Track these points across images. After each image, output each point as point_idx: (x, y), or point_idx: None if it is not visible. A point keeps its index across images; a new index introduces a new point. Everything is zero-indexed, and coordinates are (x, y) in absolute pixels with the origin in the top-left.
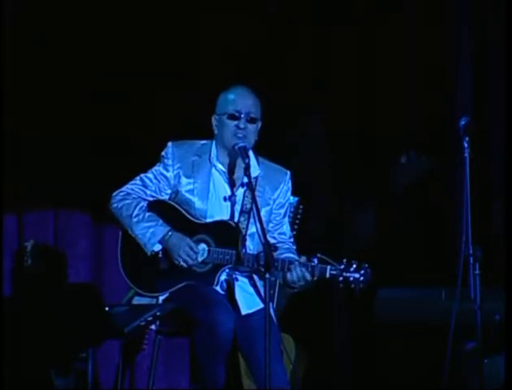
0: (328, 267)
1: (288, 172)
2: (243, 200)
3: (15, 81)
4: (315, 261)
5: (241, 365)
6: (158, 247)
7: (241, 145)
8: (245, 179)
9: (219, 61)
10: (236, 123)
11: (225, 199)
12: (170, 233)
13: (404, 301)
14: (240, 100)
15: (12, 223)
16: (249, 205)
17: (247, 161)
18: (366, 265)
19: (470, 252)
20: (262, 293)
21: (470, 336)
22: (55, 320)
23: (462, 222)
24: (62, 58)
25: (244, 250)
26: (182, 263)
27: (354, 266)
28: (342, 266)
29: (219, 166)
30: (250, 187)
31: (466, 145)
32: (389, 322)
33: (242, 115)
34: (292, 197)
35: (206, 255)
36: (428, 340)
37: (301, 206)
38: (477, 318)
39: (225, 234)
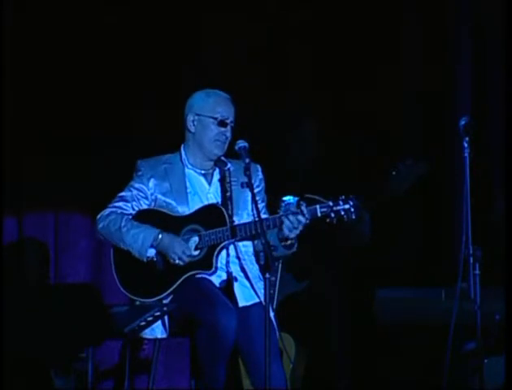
0: (318, 206)
1: (258, 165)
2: (222, 188)
3: (15, 81)
4: (304, 204)
5: (241, 365)
6: (151, 252)
7: (241, 145)
8: (245, 179)
9: (219, 61)
10: (222, 130)
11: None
12: (160, 235)
13: (404, 301)
14: (227, 107)
15: (12, 223)
16: (228, 193)
17: (247, 161)
18: (353, 196)
19: (470, 252)
20: (255, 284)
21: (470, 336)
22: (55, 320)
23: (462, 222)
24: (63, 59)
25: (234, 222)
26: (178, 261)
27: (342, 198)
28: (331, 203)
29: (190, 166)
30: (251, 187)
31: (466, 145)
32: (389, 322)
33: (228, 123)
34: (292, 198)
35: (197, 241)
36: (428, 340)
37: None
38: (477, 318)
39: (211, 217)
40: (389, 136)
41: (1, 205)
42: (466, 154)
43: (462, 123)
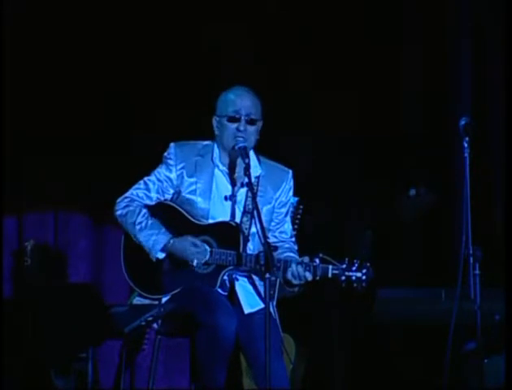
0: (330, 267)
1: (290, 171)
2: (245, 200)
3: (15, 81)
4: (317, 261)
5: (242, 365)
6: (161, 255)
7: (241, 144)
8: (246, 179)
9: (219, 61)
10: (235, 125)
11: (226, 198)
12: (171, 241)
13: (404, 301)
14: (239, 101)
15: (12, 223)
16: (251, 206)
17: (247, 161)
18: (368, 264)
19: (470, 252)
20: (262, 293)
21: (470, 336)
22: (55, 320)
23: (462, 222)
24: (63, 59)
25: (245, 251)
26: (196, 262)
27: (356, 265)
28: (344, 266)
29: (222, 166)
30: (250, 187)
31: (466, 145)
32: (389, 322)
33: (242, 117)
34: (292, 197)
35: (208, 256)
36: (428, 340)
37: (301, 206)
38: (477, 318)
39: (227, 235)
40: (389, 136)
41: (1, 205)
42: (466, 154)
43: (462, 123)
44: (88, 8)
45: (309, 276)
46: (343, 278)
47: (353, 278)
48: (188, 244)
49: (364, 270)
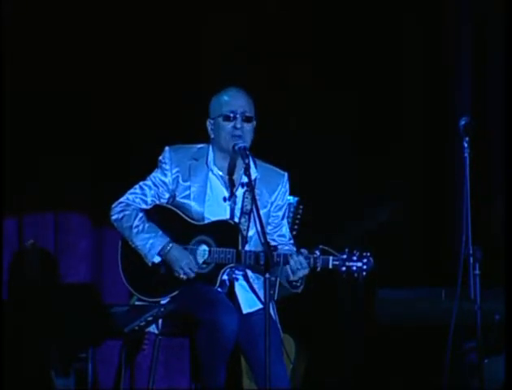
0: (331, 258)
1: (286, 174)
2: (243, 201)
3: (15, 82)
4: (317, 252)
5: (242, 365)
6: (157, 259)
7: (241, 145)
8: (245, 180)
9: (219, 61)
10: (232, 123)
11: (225, 199)
12: (170, 245)
13: (404, 301)
14: (233, 101)
15: (12, 223)
16: (249, 207)
17: (247, 161)
18: (368, 253)
19: (470, 252)
20: (260, 293)
21: (470, 336)
22: (55, 320)
23: (462, 222)
24: (62, 59)
25: (244, 248)
26: (183, 276)
27: (356, 255)
28: (344, 256)
29: (216, 170)
30: (251, 187)
31: (466, 145)
32: (389, 322)
33: (237, 115)
34: (292, 198)
35: (206, 256)
36: (428, 340)
37: (301, 206)
38: (477, 318)
39: (225, 233)
40: (389, 135)
41: (1, 205)
42: (466, 154)
43: (462, 123)
44: (88, 8)
45: (305, 265)
46: (343, 268)
47: (354, 268)
48: (184, 258)
49: (364, 260)
